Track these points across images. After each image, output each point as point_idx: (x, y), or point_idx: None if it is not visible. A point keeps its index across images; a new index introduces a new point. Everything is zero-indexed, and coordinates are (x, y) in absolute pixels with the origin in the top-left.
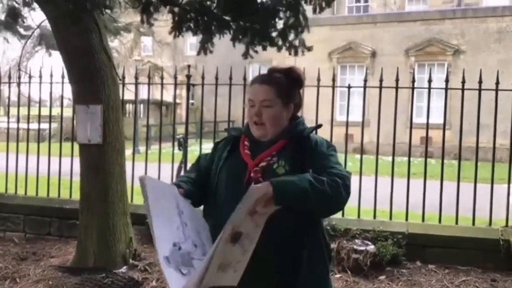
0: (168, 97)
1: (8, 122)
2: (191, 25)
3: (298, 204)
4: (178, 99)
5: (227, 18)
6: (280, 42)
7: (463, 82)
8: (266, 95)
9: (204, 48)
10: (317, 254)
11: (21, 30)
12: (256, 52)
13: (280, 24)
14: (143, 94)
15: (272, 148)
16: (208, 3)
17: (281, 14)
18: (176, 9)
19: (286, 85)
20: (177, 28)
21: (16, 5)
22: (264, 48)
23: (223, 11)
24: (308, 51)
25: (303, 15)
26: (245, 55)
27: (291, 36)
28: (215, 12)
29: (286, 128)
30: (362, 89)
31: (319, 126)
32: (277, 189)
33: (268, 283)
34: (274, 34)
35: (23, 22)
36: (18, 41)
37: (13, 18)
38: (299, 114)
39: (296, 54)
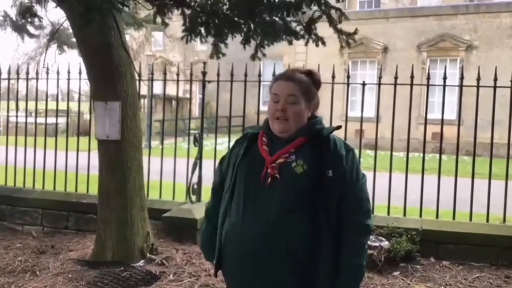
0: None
1: (26, 116)
2: (202, 29)
3: None
4: (189, 94)
5: (238, 19)
6: (305, 36)
7: (478, 79)
8: (292, 91)
9: (216, 51)
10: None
11: (31, 29)
12: (264, 55)
13: (304, 18)
14: (154, 89)
15: (290, 146)
16: (220, 4)
17: (305, 8)
18: (187, 11)
19: (309, 84)
20: (189, 34)
21: (31, 4)
22: (290, 43)
23: (236, 10)
24: (354, 34)
25: (332, 7)
26: (253, 56)
27: (316, 29)
28: (227, 14)
29: (304, 126)
30: (372, 85)
31: (338, 127)
32: None
33: (282, 285)
34: (298, 28)
35: (40, 21)
36: (29, 39)
37: (28, 17)
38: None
39: (324, 44)
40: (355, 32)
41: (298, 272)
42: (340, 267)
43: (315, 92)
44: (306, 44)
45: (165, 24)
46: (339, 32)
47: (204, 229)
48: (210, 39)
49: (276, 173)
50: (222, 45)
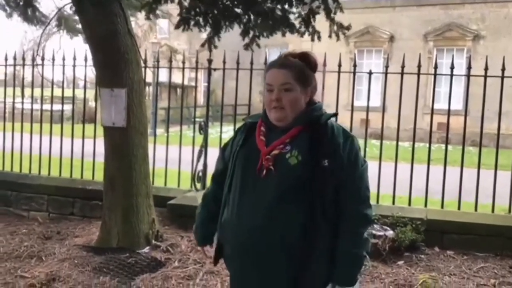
0: (181, 79)
1: (32, 103)
2: (200, 19)
3: None
4: (194, 82)
5: (237, 10)
6: (302, 28)
7: (486, 69)
8: (285, 79)
9: (210, 42)
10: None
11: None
12: (258, 45)
13: (303, 9)
14: (159, 76)
15: (286, 136)
16: None
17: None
18: (185, 1)
19: (303, 68)
20: (185, 23)
21: None
22: (283, 35)
23: (234, 2)
24: (347, 30)
25: None
26: (247, 46)
27: (314, 22)
28: (226, 4)
29: (302, 113)
30: (378, 74)
31: (336, 114)
32: None
33: (279, 276)
34: (296, 21)
35: (35, 12)
36: (35, 27)
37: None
38: (316, 99)
39: (319, 39)
40: (348, 27)
41: (295, 266)
42: (338, 257)
43: (311, 76)
44: (302, 36)
45: (156, 16)
46: (332, 21)
47: (198, 213)
48: (207, 29)
49: (271, 165)
50: (217, 38)
